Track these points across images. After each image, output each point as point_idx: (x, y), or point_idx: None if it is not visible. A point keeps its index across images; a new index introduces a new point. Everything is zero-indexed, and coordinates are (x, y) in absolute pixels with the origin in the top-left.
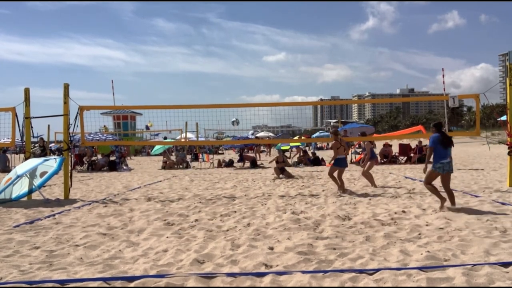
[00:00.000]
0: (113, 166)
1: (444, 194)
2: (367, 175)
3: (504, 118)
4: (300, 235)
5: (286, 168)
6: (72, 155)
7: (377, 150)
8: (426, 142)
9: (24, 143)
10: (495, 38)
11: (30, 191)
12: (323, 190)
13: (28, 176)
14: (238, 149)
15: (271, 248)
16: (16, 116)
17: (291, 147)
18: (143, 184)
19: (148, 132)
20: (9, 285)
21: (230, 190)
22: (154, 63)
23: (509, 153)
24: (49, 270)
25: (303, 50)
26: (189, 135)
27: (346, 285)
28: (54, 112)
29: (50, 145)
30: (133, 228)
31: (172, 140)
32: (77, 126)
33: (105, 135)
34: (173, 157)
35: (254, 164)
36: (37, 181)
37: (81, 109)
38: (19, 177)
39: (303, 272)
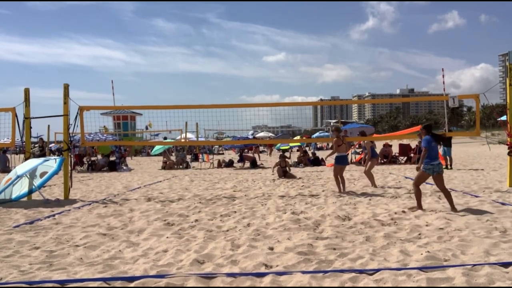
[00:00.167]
0: (113, 166)
1: (442, 197)
2: (368, 174)
3: (504, 118)
4: (300, 235)
5: (288, 169)
6: (72, 155)
7: (377, 150)
8: None
9: (24, 143)
10: (495, 38)
11: (30, 191)
12: (323, 191)
13: (28, 176)
14: (238, 149)
15: (271, 248)
16: (16, 116)
17: (291, 147)
18: (143, 184)
19: (148, 132)
20: (9, 285)
21: (230, 190)
22: (154, 63)
23: (509, 153)
24: (49, 271)
25: (303, 50)
26: (189, 135)
27: (346, 285)
28: (54, 112)
29: (50, 145)
30: (133, 228)
31: (172, 140)
32: (77, 126)
33: (105, 135)
34: (173, 157)
35: (254, 164)
36: (37, 182)
37: (81, 109)
38: (19, 177)
39: (303, 272)
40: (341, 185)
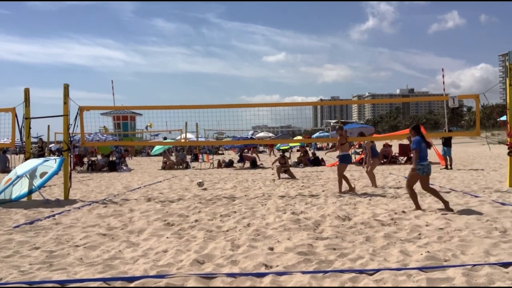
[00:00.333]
0: (113, 167)
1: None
2: (370, 174)
3: (504, 118)
4: (300, 235)
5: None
6: (72, 156)
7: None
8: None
9: (24, 143)
10: (495, 38)
11: (30, 191)
12: (323, 191)
13: (28, 176)
14: (238, 150)
15: (271, 249)
16: (16, 116)
17: (291, 147)
18: (143, 184)
19: (148, 133)
20: (9, 286)
21: (230, 190)
22: (154, 63)
23: (509, 153)
24: (49, 271)
25: (303, 50)
26: (189, 135)
27: (346, 285)
28: (54, 112)
29: (50, 146)
30: (133, 229)
31: (172, 141)
32: (77, 126)
33: (105, 135)
34: (173, 158)
35: (254, 165)
36: (37, 182)
37: (81, 109)
38: (19, 177)
39: (303, 272)
40: (347, 183)
